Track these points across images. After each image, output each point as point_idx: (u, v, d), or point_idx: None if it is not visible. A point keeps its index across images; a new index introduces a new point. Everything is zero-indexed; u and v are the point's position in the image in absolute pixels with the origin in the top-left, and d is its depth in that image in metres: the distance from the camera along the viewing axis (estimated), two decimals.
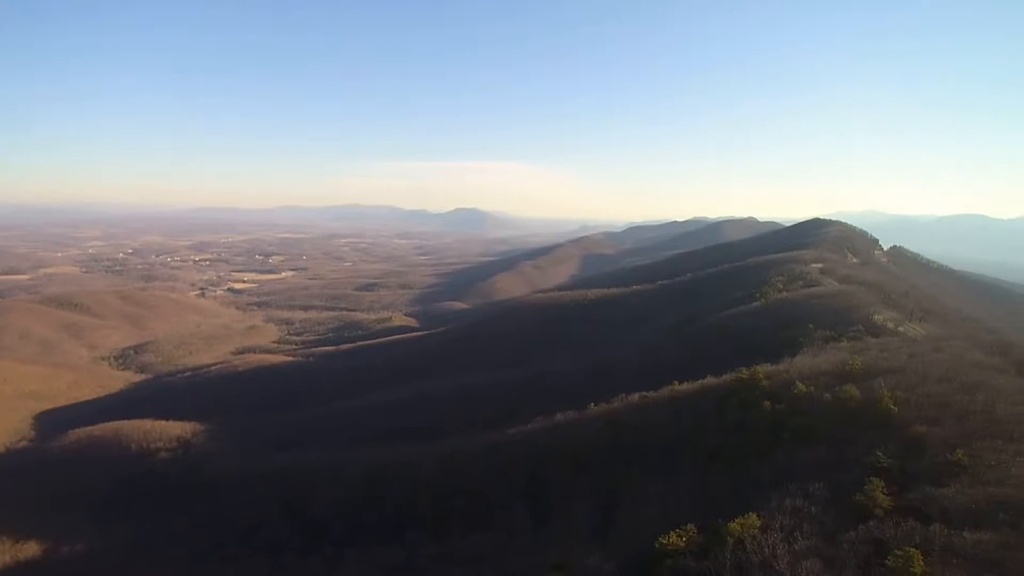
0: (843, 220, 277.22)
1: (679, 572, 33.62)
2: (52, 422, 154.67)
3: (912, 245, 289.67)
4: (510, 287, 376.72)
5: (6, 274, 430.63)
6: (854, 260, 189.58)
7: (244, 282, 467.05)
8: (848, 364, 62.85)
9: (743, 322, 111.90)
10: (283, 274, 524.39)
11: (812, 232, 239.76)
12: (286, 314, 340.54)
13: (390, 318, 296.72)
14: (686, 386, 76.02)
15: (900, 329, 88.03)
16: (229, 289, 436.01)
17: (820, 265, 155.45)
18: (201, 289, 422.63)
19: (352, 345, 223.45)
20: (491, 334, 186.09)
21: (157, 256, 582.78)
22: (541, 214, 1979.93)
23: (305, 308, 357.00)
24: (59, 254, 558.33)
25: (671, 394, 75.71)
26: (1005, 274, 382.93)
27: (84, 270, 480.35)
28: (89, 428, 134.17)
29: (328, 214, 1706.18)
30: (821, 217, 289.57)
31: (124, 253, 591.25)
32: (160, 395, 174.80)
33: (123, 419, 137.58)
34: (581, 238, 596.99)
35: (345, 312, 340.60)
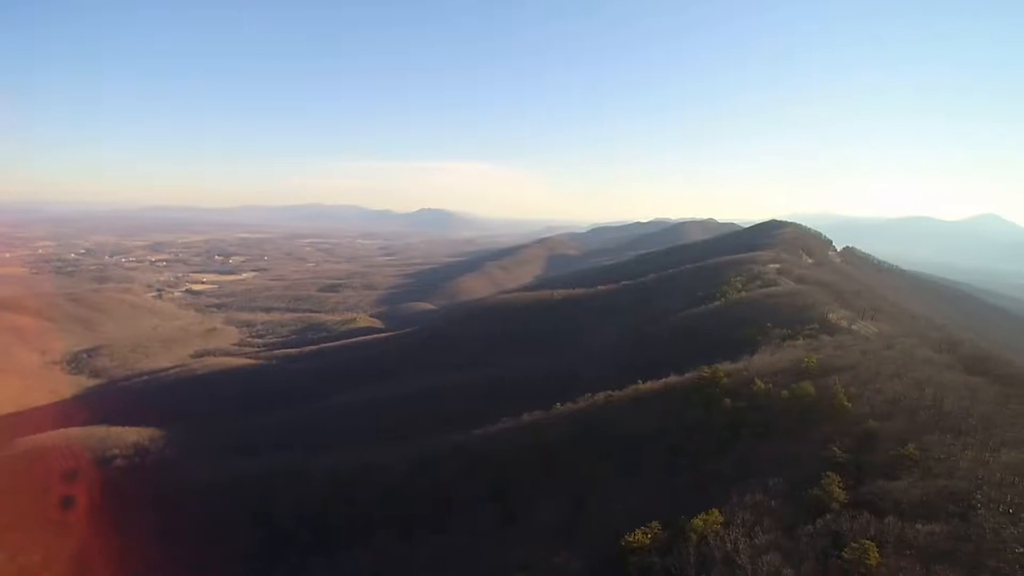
0: (798, 221, 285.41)
1: (644, 569, 34.27)
2: None
3: (863, 246, 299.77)
4: (476, 288, 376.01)
5: None
6: (809, 260, 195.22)
7: (203, 283, 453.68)
8: (804, 362, 64.98)
9: (704, 321, 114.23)
10: (244, 275, 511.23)
11: (769, 233, 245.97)
12: (247, 316, 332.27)
13: (355, 319, 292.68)
14: (649, 385, 77.39)
15: (853, 327, 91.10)
16: (187, 290, 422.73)
17: (777, 265, 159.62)
18: (158, 291, 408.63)
19: (316, 347, 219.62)
20: (457, 335, 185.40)
21: (111, 257, 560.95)
22: (507, 215, 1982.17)
23: (267, 310, 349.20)
24: (6, 255, 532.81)
25: (635, 393, 76.92)
26: (951, 274, 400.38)
27: (33, 271, 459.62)
28: (39, 436, 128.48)
29: (290, 214, 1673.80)
30: (777, 219, 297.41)
31: (75, 254, 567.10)
32: (115, 400, 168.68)
33: (76, 426, 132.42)
34: (546, 239, 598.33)
35: (308, 314, 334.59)
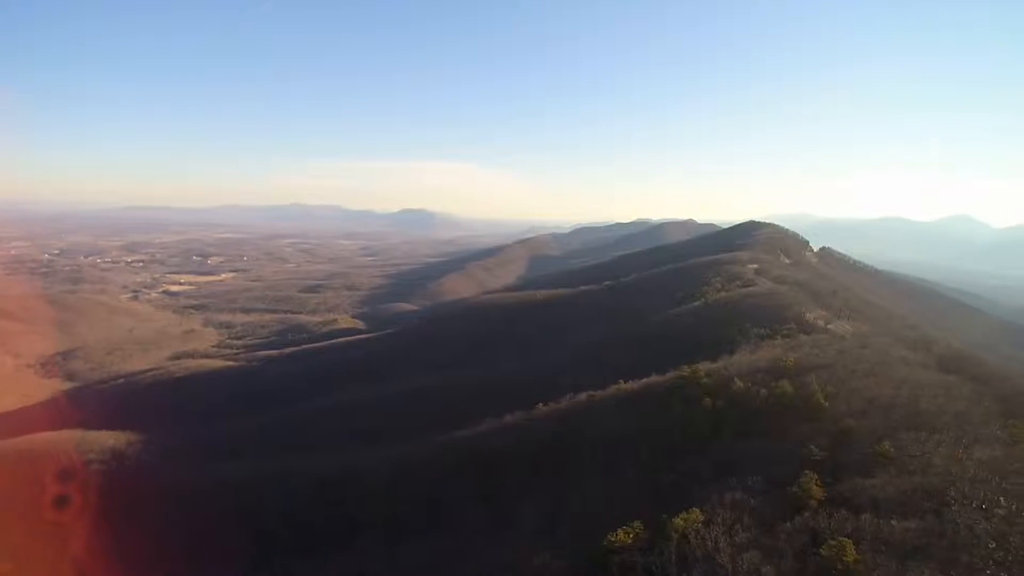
0: (776, 222, 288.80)
1: (627, 568, 34.58)
2: None
3: (839, 246, 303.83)
4: (459, 288, 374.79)
5: None
6: (786, 261, 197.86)
7: (180, 284, 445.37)
8: (782, 361, 66.02)
9: (685, 321, 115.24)
10: (222, 276, 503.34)
11: (747, 234, 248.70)
12: (226, 317, 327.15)
13: (336, 320, 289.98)
14: (631, 385, 78.02)
15: (830, 327, 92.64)
16: (164, 291, 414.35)
17: (755, 266, 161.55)
18: (134, 292, 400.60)
19: (297, 348, 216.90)
20: (440, 336, 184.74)
21: (86, 257, 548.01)
22: (489, 215, 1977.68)
23: (246, 311, 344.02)
24: None
25: (617, 393, 77.48)
26: (925, 273, 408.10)
27: (6, 272, 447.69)
28: (13, 440, 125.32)
29: (270, 213, 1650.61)
30: (756, 220, 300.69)
31: (49, 254, 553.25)
32: (91, 404, 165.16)
33: (50, 430, 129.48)
34: (528, 239, 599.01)
35: (289, 315, 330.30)
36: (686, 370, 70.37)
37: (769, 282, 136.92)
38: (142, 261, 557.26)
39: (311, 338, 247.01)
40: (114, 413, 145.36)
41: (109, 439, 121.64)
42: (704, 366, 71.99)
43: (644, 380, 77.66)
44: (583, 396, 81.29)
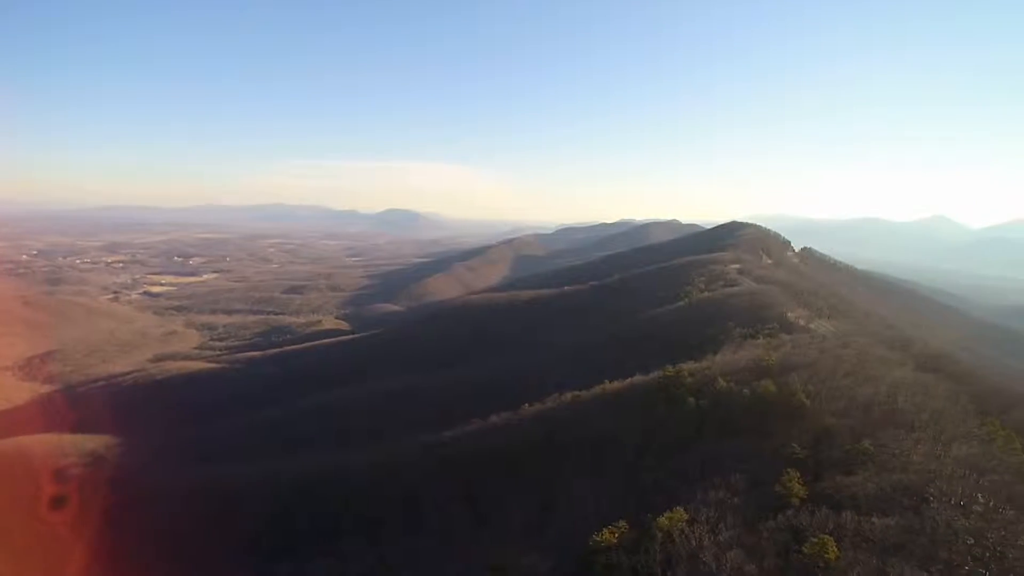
0: (758, 223, 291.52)
1: (612, 568, 34.61)
2: None
3: (820, 246, 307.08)
4: (443, 288, 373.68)
5: None
6: (768, 261, 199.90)
7: (162, 285, 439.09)
8: (764, 360, 66.59)
9: (669, 321, 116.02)
10: (204, 276, 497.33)
11: (730, 234, 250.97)
12: (208, 318, 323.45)
13: (320, 321, 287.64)
14: (616, 385, 78.36)
15: (811, 326, 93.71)
16: (145, 293, 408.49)
17: (738, 266, 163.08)
18: (114, 293, 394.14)
19: (280, 350, 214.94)
20: (425, 336, 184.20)
21: (65, 258, 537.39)
22: (474, 215, 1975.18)
23: (229, 312, 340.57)
24: None
25: (602, 393, 77.79)
26: (903, 273, 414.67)
27: None
28: None
29: (252, 213, 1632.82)
30: (738, 220, 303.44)
31: (27, 255, 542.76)
32: (71, 407, 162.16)
33: (29, 434, 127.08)
34: (513, 239, 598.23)
35: (272, 316, 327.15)
36: (670, 370, 70.70)
37: (751, 282, 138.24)
38: (122, 262, 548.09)
39: (295, 339, 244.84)
40: (94, 416, 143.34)
41: (89, 442, 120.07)
42: (688, 366, 72.50)
43: (629, 380, 78.07)
44: (568, 396, 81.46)
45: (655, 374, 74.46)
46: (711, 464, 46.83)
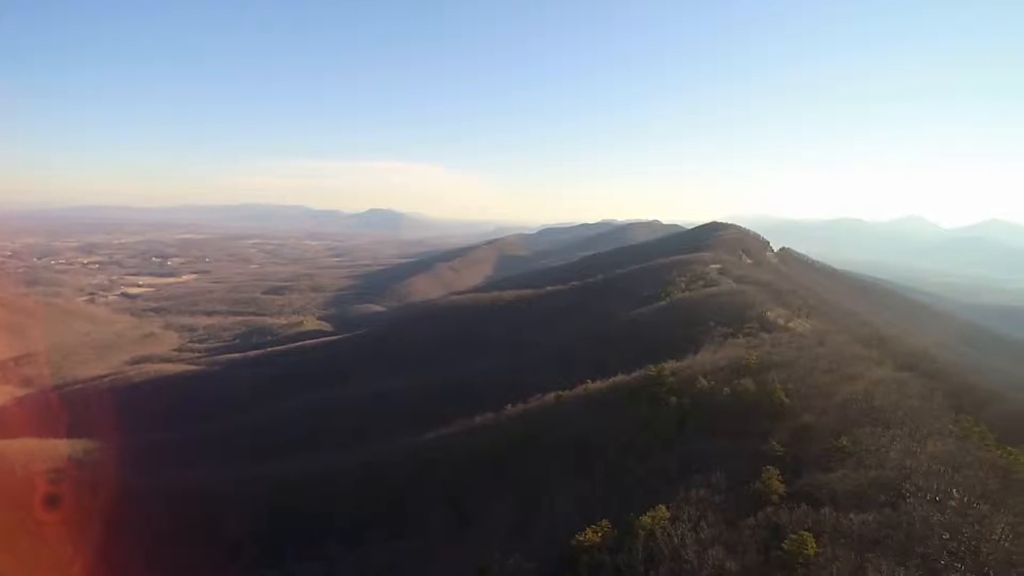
0: (737, 223, 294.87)
1: (595, 568, 34.72)
2: None
3: (798, 246, 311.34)
4: (426, 289, 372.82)
5: None
6: (748, 261, 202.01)
7: (139, 286, 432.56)
8: (744, 359, 67.36)
9: (650, 321, 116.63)
10: (183, 277, 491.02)
11: (710, 235, 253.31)
12: (187, 320, 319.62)
13: (302, 322, 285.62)
14: (599, 384, 78.71)
15: (790, 325, 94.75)
16: (122, 294, 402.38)
17: (718, 266, 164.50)
18: (91, 294, 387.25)
19: (261, 352, 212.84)
20: (407, 337, 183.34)
21: (39, 259, 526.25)
22: (457, 216, 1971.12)
23: (208, 313, 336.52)
24: None
25: (585, 393, 78.07)
26: (879, 272, 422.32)
27: None
28: None
29: (233, 213, 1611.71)
30: (718, 220, 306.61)
31: (1, 256, 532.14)
32: (46, 411, 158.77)
33: (4, 438, 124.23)
34: (496, 240, 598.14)
35: (252, 317, 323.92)
36: (652, 369, 71.22)
37: (731, 282, 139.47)
38: (99, 263, 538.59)
39: (276, 341, 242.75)
40: (71, 420, 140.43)
41: (66, 447, 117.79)
42: (670, 365, 72.98)
43: (611, 380, 78.40)
44: (551, 396, 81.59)
45: (637, 374, 74.96)
46: (693, 462, 47.22)
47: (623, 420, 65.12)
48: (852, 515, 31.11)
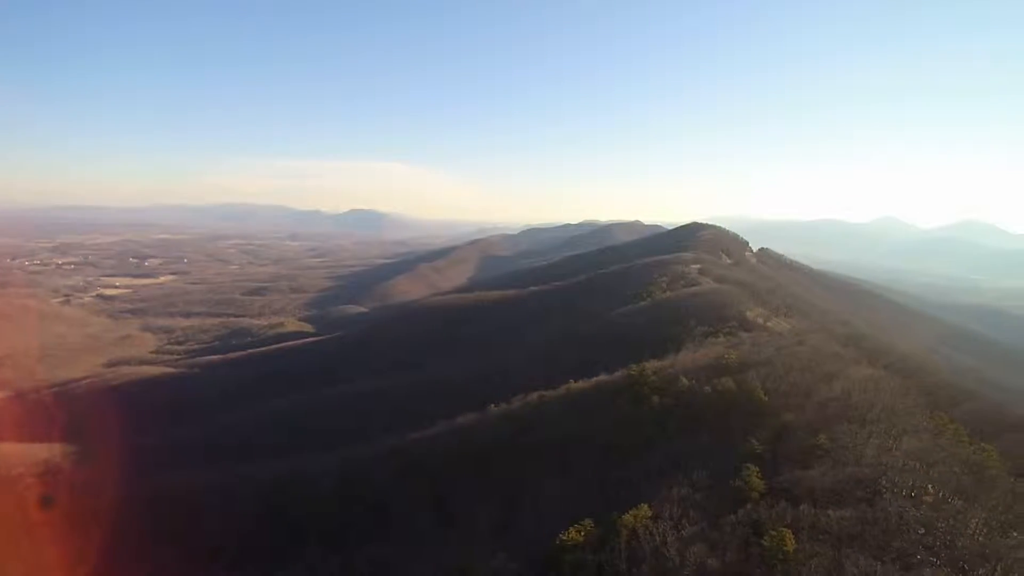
0: (718, 224, 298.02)
1: (578, 566, 34.78)
2: None
3: (776, 246, 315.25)
4: (409, 289, 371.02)
5: None
6: (728, 261, 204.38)
7: (116, 287, 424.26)
8: (724, 358, 68.03)
9: (632, 320, 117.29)
10: (161, 278, 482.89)
11: (691, 235, 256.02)
12: (165, 322, 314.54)
13: (282, 323, 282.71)
14: (581, 384, 78.92)
15: (769, 324, 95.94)
16: (98, 295, 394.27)
17: (699, 266, 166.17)
18: (66, 296, 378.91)
19: (241, 353, 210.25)
20: (390, 337, 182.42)
21: (12, 260, 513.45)
22: (439, 216, 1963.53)
23: (187, 315, 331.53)
24: None
25: (567, 393, 78.17)
26: (855, 272, 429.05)
27: None
28: None
29: (212, 213, 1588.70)
30: (699, 221, 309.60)
31: None
32: (21, 415, 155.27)
33: None
34: (479, 240, 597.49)
35: (232, 318, 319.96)
36: (634, 369, 71.55)
37: (712, 281, 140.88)
38: (74, 263, 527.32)
39: (256, 342, 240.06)
40: (46, 424, 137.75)
41: (42, 451, 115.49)
42: (651, 365, 73.42)
43: (594, 379, 78.66)
44: (534, 396, 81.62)
45: (620, 373, 75.28)
46: (674, 461, 47.57)
47: (606, 419, 65.35)
48: (830, 511, 31.57)
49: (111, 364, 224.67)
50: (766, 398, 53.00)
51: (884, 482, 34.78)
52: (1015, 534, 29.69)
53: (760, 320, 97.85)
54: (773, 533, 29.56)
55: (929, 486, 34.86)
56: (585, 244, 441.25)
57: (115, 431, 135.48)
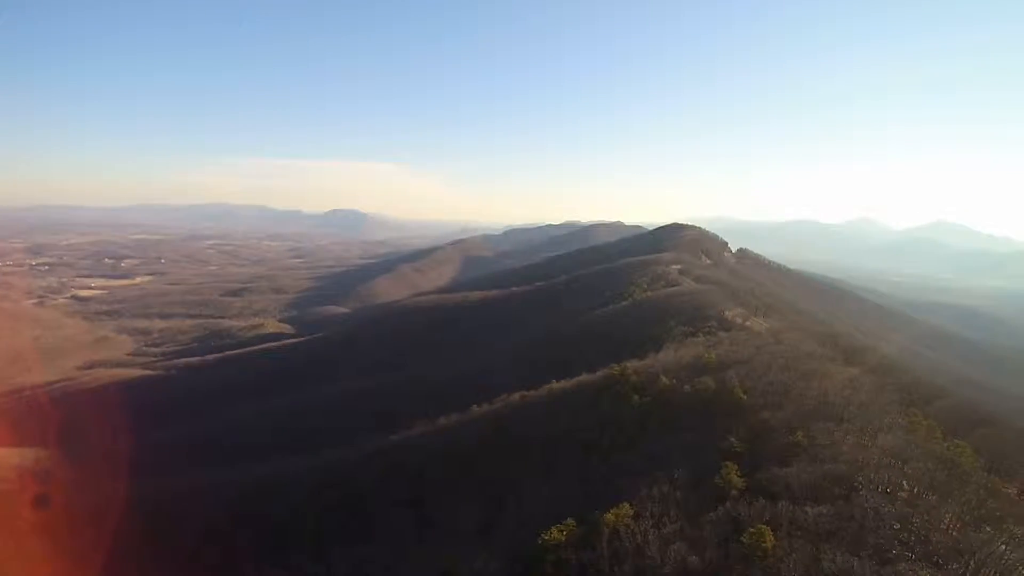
0: (697, 225, 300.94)
1: (561, 566, 34.83)
2: None
3: (755, 247, 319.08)
4: (390, 290, 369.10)
5: None
6: (707, 261, 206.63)
7: (91, 288, 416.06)
8: (704, 357, 68.66)
9: (613, 320, 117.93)
10: (137, 279, 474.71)
11: (672, 236, 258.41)
12: (142, 323, 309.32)
13: (262, 325, 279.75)
14: (563, 384, 79.14)
15: (747, 324, 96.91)
16: (73, 297, 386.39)
17: (679, 266, 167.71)
18: (40, 297, 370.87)
19: (220, 355, 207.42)
20: (371, 338, 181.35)
21: None
22: (421, 216, 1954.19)
23: (164, 316, 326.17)
24: None
25: (549, 393, 78.37)
26: (832, 272, 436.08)
27: None
28: None
29: (190, 213, 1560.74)
30: (679, 222, 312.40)
31: None
32: None
33: None
34: (461, 240, 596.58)
35: (211, 320, 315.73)
36: (616, 368, 71.95)
37: (692, 282, 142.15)
38: (48, 264, 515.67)
39: (235, 344, 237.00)
40: (19, 429, 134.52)
41: (15, 457, 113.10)
42: (632, 364, 73.86)
43: (575, 379, 78.83)
44: (516, 396, 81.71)
45: (601, 373, 75.59)
46: (655, 459, 47.77)
47: (588, 419, 65.51)
48: (808, 508, 31.98)
49: (87, 367, 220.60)
50: (745, 397, 53.52)
51: (860, 479, 35.34)
52: (988, 528, 30.31)
53: (739, 320, 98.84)
54: (752, 530, 29.87)
55: (904, 482, 35.46)
56: (567, 244, 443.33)
57: (91, 435, 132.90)
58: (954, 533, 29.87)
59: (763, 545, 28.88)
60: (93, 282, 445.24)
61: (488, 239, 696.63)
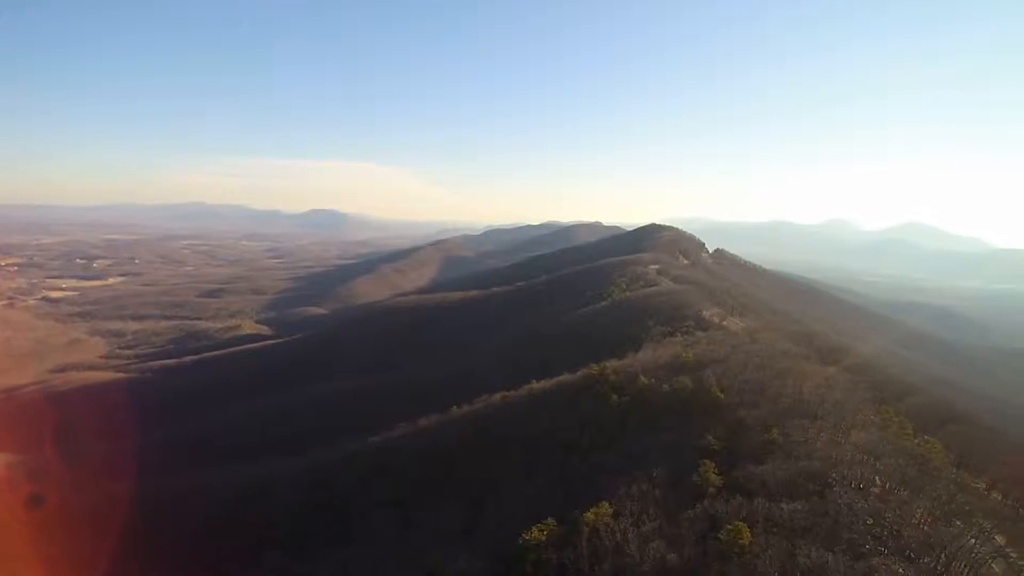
0: (675, 226, 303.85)
1: (541, 565, 34.86)
2: None
3: (732, 248, 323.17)
4: (370, 291, 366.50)
5: None
6: (685, 261, 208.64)
7: (62, 290, 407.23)
8: (682, 357, 69.30)
9: (593, 320, 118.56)
10: (110, 280, 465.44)
11: (650, 236, 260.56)
12: (116, 325, 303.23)
13: (239, 326, 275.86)
14: (543, 384, 79.44)
15: (724, 323, 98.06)
16: (44, 298, 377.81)
17: (657, 266, 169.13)
18: (9, 299, 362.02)
19: (196, 357, 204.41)
20: (351, 340, 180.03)
21: None
22: (402, 216, 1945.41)
23: (138, 318, 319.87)
24: None
25: (529, 393, 78.59)
26: (807, 272, 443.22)
27: None
28: None
29: (166, 213, 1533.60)
30: (657, 223, 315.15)
31: None
32: None
33: None
34: (441, 241, 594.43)
35: (187, 321, 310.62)
36: (595, 368, 72.36)
37: (670, 282, 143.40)
38: (17, 265, 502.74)
39: (212, 346, 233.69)
40: None
41: None
42: (612, 364, 74.32)
43: (555, 379, 79.11)
44: (497, 396, 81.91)
45: (581, 373, 75.92)
46: (634, 458, 48.08)
47: (568, 418, 65.74)
48: (783, 504, 32.44)
49: (59, 370, 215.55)
50: (722, 395, 54.10)
51: (834, 475, 35.92)
52: (958, 523, 30.97)
53: (716, 319, 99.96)
54: (729, 527, 30.29)
55: (876, 478, 36.08)
56: (546, 244, 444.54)
57: (64, 440, 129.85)
58: (925, 528, 30.48)
59: (740, 542, 29.25)
60: (64, 283, 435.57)
61: (469, 239, 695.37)
